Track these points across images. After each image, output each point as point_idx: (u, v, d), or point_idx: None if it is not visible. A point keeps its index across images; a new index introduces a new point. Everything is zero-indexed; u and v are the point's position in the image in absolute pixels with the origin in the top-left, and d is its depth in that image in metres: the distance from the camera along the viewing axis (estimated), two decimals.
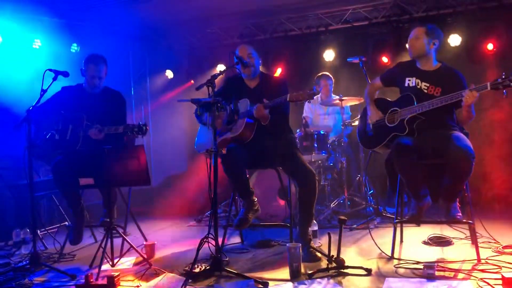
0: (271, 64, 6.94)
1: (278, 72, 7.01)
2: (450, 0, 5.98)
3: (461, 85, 3.45)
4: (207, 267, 3.26)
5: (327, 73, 5.91)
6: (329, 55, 6.70)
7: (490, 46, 5.88)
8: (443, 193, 3.40)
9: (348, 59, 5.22)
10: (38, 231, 4.24)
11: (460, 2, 5.97)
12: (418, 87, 3.60)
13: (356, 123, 4.64)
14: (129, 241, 3.75)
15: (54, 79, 3.69)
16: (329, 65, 6.75)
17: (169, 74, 7.43)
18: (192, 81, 7.40)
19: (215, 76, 3.41)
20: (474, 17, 6.00)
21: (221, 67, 7.02)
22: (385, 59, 6.45)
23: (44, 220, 4.88)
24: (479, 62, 5.93)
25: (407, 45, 3.71)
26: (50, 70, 3.67)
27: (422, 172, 3.46)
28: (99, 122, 3.93)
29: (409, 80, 3.66)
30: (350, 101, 5.31)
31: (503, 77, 3.10)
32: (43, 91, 3.61)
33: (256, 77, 3.96)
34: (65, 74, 3.73)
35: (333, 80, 5.88)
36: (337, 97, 5.23)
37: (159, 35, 7.05)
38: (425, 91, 3.56)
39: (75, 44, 6.16)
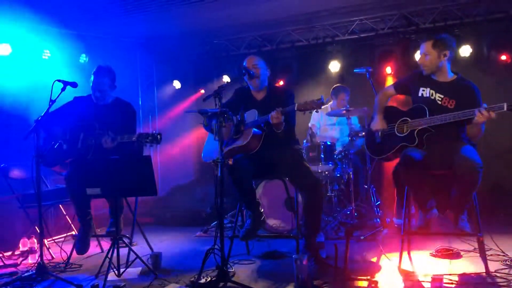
0: (278, 74, 6.97)
1: (282, 83, 7.04)
2: (457, 11, 5.98)
3: (476, 99, 3.40)
4: (213, 279, 3.25)
5: (345, 86, 5.86)
6: (335, 66, 6.72)
7: (503, 57, 5.89)
8: (452, 205, 3.37)
9: (355, 70, 5.23)
10: (45, 241, 4.25)
11: (467, 14, 5.97)
12: (432, 98, 3.56)
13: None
14: (135, 252, 3.75)
15: (63, 89, 3.72)
16: (335, 75, 6.77)
17: (177, 84, 7.47)
18: (203, 91, 7.43)
19: (222, 87, 3.44)
20: (481, 28, 5.99)
21: (227, 78, 7.05)
22: (391, 70, 6.45)
23: (51, 229, 4.90)
24: (487, 73, 5.91)
25: (418, 61, 3.65)
26: (59, 80, 3.71)
27: (430, 184, 3.44)
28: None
29: (423, 90, 3.63)
30: (357, 112, 5.30)
31: None
32: (52, 102, 3.65)
33: (263, 89, 3.98)
34: (74, 85, 3.76)
35: (350, 92, 5.84)
36: (344, 107, 5.23)
37: (166, 46, 7.12)
38: (439, 102, 3.52)
39: (83, 55, 6.24)
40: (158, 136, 3.80)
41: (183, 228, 5.76)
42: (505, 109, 3.11)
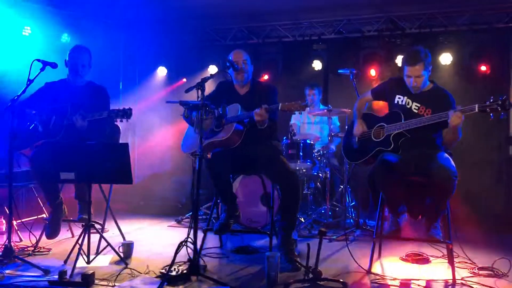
0: (262, 68, 6.91)
1: (265, 78, 7.00)
2: (443, 19, 6.06)
3: (451, 107, 3.43)
4: (184, 271, 3.23)
5: (316, 84, 5.90)
6: (319, 64, 6.71)
7: (483, 68, 5.98)
8: (426, 212, 3.42)
9: (339, 71, 5.24)
10: (14, 222, 4.16)
11: (452, 22, 6.06)
12: (408, 106, 3.61)
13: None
14: (106, 239, 3.70)
15: (42, 69, 3.64)
16: (319, 74, 6.76)
17: (160, 71, 7.36)
18: (185, 80, 7.32)
19: (205, 79, 3.39)
20: (465, 38, 6.09)
21: (211, 69, 6.97)
22: (374, 73, 6.49)
23: (21, 211, 4.79)
24: (467, 82, 6.00)
25: (411, 85, 3.59)
26: (38, 60, 3.61)
27: (404, 190, 3.49)
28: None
29: (399, 98, 3.68)
30: (339, 113, 5.32)
31: (491, 100, 3.13)
32: (30, 81, 3.56)
33: (247, 84, 3.95)
34: (53, 65, 3.67)
35: (321, 90, 5.88)
36: (326, 107, 5.25)
37: (151, 31, 6.99)
38: (415, 111, 3.56)
39: (66, 34, 6.08)
40: (129, 111, 3.74)
41: (157, 217, 5.72)
42: (476, 110, 3.17)
